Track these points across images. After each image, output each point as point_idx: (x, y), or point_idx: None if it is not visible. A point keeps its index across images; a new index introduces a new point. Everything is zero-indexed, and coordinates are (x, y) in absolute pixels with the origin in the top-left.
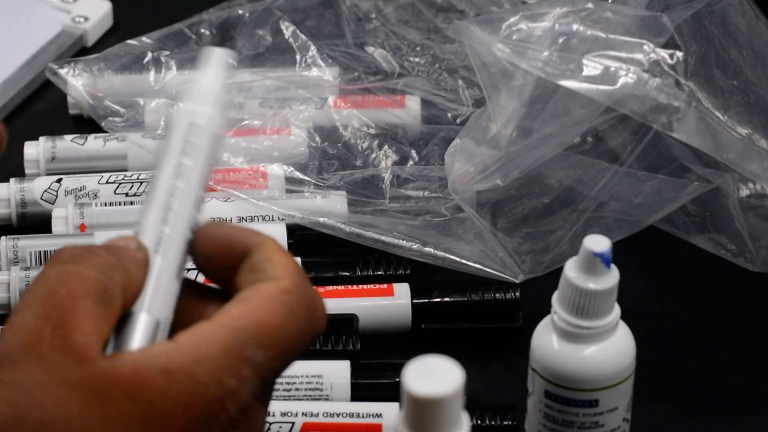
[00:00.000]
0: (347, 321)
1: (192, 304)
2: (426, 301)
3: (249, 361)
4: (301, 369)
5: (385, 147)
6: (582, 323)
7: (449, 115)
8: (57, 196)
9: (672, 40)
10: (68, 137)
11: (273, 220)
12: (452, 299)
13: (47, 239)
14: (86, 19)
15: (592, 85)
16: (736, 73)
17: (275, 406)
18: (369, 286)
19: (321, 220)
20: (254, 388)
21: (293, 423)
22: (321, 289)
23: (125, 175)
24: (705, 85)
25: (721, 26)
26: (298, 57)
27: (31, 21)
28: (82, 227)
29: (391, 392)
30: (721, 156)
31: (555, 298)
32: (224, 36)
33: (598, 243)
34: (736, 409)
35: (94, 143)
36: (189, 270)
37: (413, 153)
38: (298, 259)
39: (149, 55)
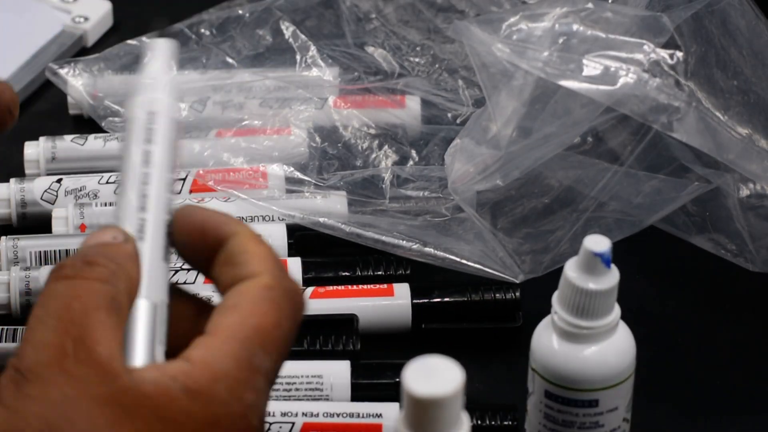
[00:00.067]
0: (347, 321)
1: (184, 313)
2: (426, 301)
3: (260, 371)
4: (301, 369)
5: (385, 147)
6: (582, 323)
7: (449, 115)
8: (57, 196)
9: (672, 40)
10: (68, 137)
11: (273, 220)
12: (452, 299)
13: (47, 239)
14: (86, 19)
15: (592, 85)
16: (736, 73)
17: (275, 406)
18: (369, 286)
19: (321, 220)
20: (267, 396)
21: (293, 423)
22: (321, 289)
23: None
24: (705, 85)
25: (721, 26)
26: (298, 57)
27: (31, 21)
28: (82, 227)
29: (391, 392)
30: (721, 156)
31: (555, 298)
32: (161, 25)
33: (598, 243)
34: (736, 409)
35: (94, 143)
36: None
37: (413, 153)
38: (297, 259)
39: None
